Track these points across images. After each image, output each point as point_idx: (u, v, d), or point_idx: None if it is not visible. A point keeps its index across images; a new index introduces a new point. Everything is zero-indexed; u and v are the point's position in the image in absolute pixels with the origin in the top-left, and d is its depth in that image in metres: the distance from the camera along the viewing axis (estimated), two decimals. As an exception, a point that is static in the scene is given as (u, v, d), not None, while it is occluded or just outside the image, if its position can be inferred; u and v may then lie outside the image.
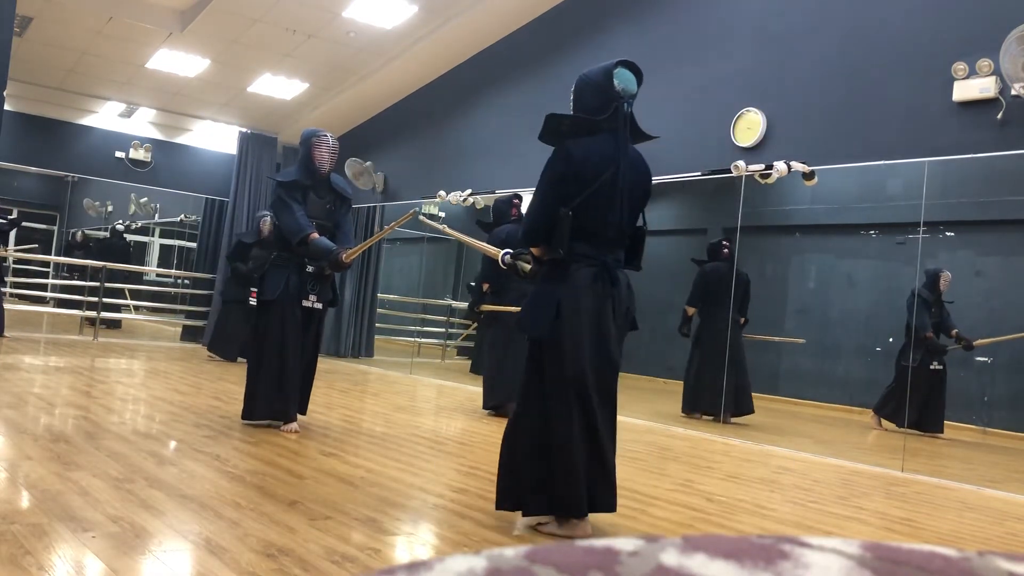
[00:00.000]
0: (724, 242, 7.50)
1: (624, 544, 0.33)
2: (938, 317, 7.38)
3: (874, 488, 4.61)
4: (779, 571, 0.31)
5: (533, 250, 3.07)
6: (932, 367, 7.20)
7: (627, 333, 3.07)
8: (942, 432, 7.19)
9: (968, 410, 7.76)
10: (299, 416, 4.84)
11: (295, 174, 4.72)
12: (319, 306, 4.76)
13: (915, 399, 7.08)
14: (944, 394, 7.22)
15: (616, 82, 2.98)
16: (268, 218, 8.52)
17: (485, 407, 6.41)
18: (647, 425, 6.65)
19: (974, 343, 7.39)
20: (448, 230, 4.51)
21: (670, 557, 0.32)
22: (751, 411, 7.20)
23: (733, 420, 7.10)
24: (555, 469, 2.84)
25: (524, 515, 3.02)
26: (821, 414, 8.55)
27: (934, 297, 7.34)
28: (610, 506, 2.94)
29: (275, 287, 4.65)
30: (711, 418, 7.23)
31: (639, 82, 3.06)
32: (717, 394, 7.04)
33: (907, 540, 3.28)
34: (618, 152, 2.93)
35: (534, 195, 3.03)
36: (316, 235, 4.54)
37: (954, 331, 7.39)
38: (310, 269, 4.68)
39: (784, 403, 9.04)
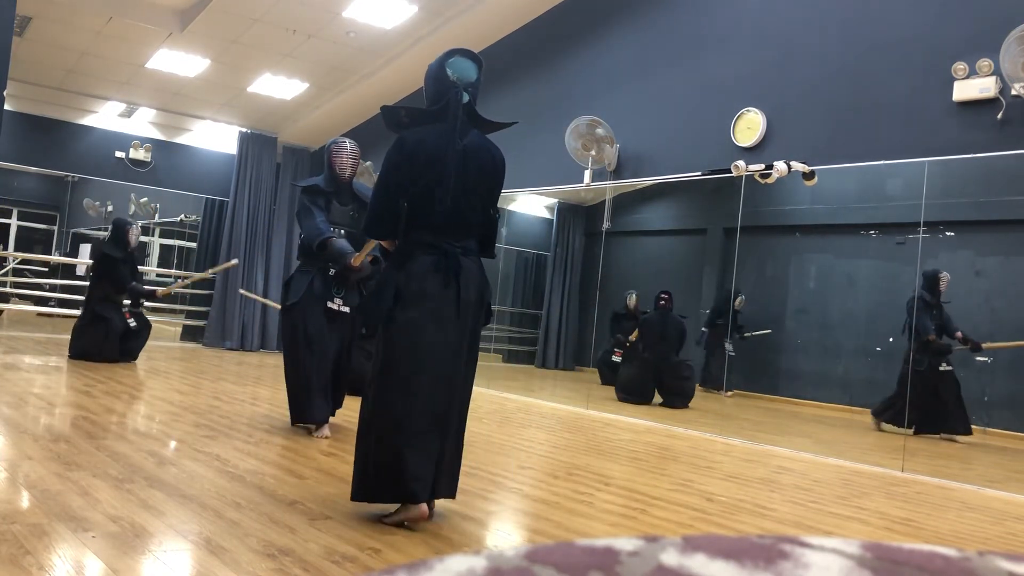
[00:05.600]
0: (662, 294, 8.70)
1: (624, 544, 0.33)
2: (939, 319, 7.35)
3: (874, 488, 4.61)
4: (779, 571, 0.31)
5: (382, 243, 3.08)
6: (941, 368, 7.15)
7: (482, 322, 3.05)
8: (970, 433, 7.03)
9: (968, 410, 7.75)
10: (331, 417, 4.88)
11: (318, 180, 4.82)
12: (346, 309, 4.78)
13: (927, 402, 6.99)
14: (960, 394, 7.09)
15: (450, 71, 2.99)
16: (135, 227, 7.94)
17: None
18: (647, 425, 6.65)
19: (983, 345, 7.34)
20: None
21: (670, 557, 0.32)
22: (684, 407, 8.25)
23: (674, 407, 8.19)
24: (386, 453, 2.83)
25: (355, 500, 2.98)
26: (821, 414, 8.55)
27: (935, 299, 7.31)
28: (450, 492, 2.97)
29: (298, 291, 4.71)
30: (639, 404, 8.22)
31: (479, 69, 3.06)
32: (642, 392, 8.33)
33: (907, 540, 3.28)
34: (449, 140, 2.91)
35: (375, 186, 3.02)
36: (334, 239, 4.58)
37: (958, 333, 7.34)
38: (332, 273, 4.72)
39: (784, 403, 9.04)
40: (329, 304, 4.72)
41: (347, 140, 4.86)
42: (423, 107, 3.04)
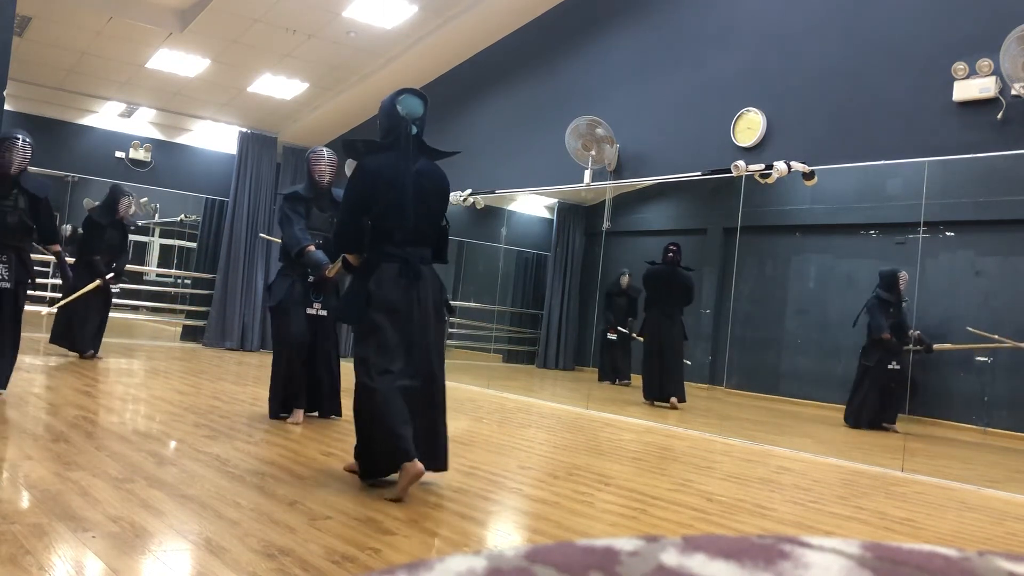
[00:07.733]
0: (671, 245, 8.23)
1: (624, 544, 0.33)
2: (897, 318, 7.53)
3: (874, 488, 4.61)
4: (779, 571, 0.31)
5: (348, 256, 3.56)
6: (889, 367, 7.35)
7: (444, 318, 3.56)
8: (894, 423, 7.36)
9: (968, 410, 7.76)
10: (334, 418, 5.26)
11: (299, 188, 5.13)
12: (324, 313, 5.08)
13: (872, 397, 7.42)
14: (906, 390, 7.26)
15: (400, 108, 3.44)
16: (129, 198, 7.89)
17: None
18: (647, 425, 6.65)
19: (933, 347, 7.54)
20: None
21: (670, 557, 0.32)
22: (682, 399, 7.94)
23: (678, 405, 7.86)
24: (373, 431, 3.31)
25: (363, 479, 3.45)
26: (821, 414, 8.55)
27: (893, 297, 7.48)
28: (438, 466, 3.45)
29: (279, 293, 5.02)
30: (667, 405, 7.89)
31: (425, 105, 3.51)
32: (656, 383, 8.00)
33: (907, 540, 3.27)
34: (403, 166, 3.38)
35: (341, 207, 3.58)
36: (312, 248, 4.86)
37: (915, 333, 7.50)
38: (311, 279, 5.00)
39: (784, 403, 9.04)
40: (308, 310, 5.04)
41: (324, 149, 5.21)
42: (376, 139, 3.53)
